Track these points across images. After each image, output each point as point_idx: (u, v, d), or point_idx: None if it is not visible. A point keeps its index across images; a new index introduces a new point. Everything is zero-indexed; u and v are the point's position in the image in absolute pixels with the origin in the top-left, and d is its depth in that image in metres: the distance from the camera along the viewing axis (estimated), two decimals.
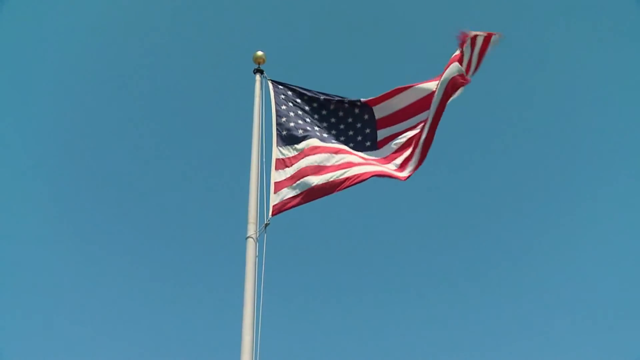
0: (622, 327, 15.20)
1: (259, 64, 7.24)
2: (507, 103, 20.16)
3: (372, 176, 6.51)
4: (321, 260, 18.79)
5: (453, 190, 20.08)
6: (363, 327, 17.09)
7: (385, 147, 6.94)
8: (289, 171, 6.54)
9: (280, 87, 7.19)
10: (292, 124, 6.85)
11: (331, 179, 6.40)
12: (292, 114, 6.95)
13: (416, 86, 6.95)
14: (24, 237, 16.45)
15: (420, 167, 6.52)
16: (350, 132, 7.09)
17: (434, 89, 6.53)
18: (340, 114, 7.16)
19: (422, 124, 6.61)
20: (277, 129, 6.77)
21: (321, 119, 7.08)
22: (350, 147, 6.90)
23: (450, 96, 6.25)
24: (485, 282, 18.01)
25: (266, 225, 5.98)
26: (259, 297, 5.43)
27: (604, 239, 17.43)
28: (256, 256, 5.69)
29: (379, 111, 7.08)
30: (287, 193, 6.39)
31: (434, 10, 21.09)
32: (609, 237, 17.36)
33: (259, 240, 5.82)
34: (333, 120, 7.12)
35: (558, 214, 18.60)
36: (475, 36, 6.29)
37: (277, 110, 6.91)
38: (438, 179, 20.14)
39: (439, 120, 6.35)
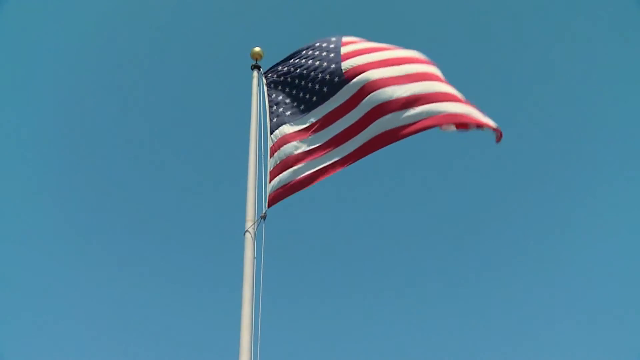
0: (622, 327, 15.19)
1: (256, 60, 7.20)
2: (508, 102, 20.13)
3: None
4: (322, 257, 18.82)
5: (454, 189, 20.06)
6: (363, 325, 17.09)
7: (360, 79, 6.16)
8: (282, 154, 6.33)
9: (269, 74, 7.10)
10: (284, 107, 6.71)
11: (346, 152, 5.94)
12: (286, 96, 6.77)
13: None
14: (24, 237, 16.46)
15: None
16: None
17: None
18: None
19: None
20: (270, 118, 6.69)
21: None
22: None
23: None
24: (486, 281, 18.01)
25: (263, 217, 5.88)
26: (257, 293, 5.39)
27: (605, 239, 17.43)
28: (254, 251, 5.62)
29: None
30: (283, 179, 6.17)
31: (434, 8, 21.08)
32: (610, 237, 17.36)
33: (257, 235, 5.76)
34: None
35: (559, 214, 18.60)
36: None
37: (270, 101, 6.85)
38: (440, 177, 20.13)
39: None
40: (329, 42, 6.73)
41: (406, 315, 17.28)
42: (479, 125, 5.44)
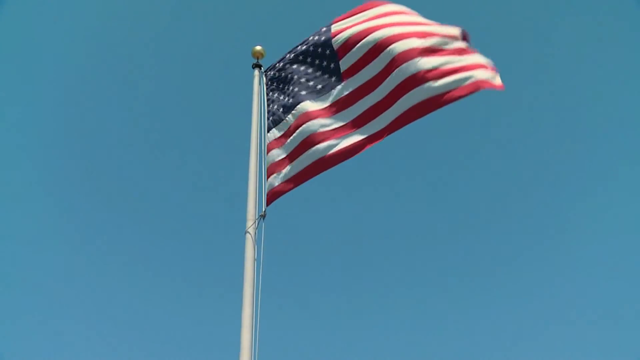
0: (622, 327, 15.16)
1: (257, 58, 7.16)
2: (507, 102, 20.12)
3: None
4: (323, 257, 18.79)
5: (453, 189, 20.04)
6: (364, 325, 17.07)
7: (356, 78, 6.16)
8: (283, 150, 6.30)
9: (269, 72, 7.06)
10: (280, 103, 6.66)
11: (344, 145, 5.88)
12: (282, 90, 6.74)
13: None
14: (24, 237, 16.44)
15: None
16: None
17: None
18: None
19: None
20: (268, 116, 6.66)
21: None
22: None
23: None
24: (486, 281, 17.98)
25: (262, 216, 5.83)
26: (257, 293, 5.36)
27: (603, 239, 17.41)
28: (255, 251, 5.59)
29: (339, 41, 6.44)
30: (281, 176, 6.12)
31: (435, 9, 21.03)
32: (608, 237, 17.34)
33: (257, 234, 5.71)
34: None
35: (558, 213, 18.58)
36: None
37: (268, 99, 6.83)
38: (438, 177, 20.11)
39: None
40: (320, 35, 6.68)
41: (406, 315, 17.28)
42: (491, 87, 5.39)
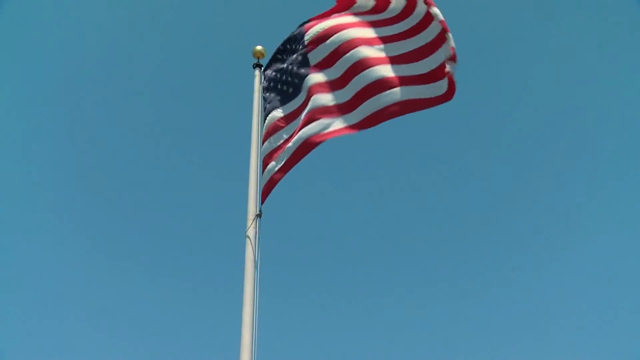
0: (622, 327, 15.17)
1: (258, 58, 7.17)
2: (506, 101, 20.15)
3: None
4: (323, 257, 18.80)
5: (453, 188, 20.05)
6: (363, 324, 17.08)
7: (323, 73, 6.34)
8: (277, 138, 6.27)
9: (266, 72, 7.09)
10: (276, 92, 6.69)
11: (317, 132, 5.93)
12: (278, 81, 6.80)
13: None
14: (24, 237, 16.44)
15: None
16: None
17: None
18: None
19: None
20: (263, 109, 6.68)
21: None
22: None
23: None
24: (486, 281, 17.98)
25: (258, 215, 5.81)
26: (256, 292, 5.36)
27: (605, 238, 17.40)
28: (255, 251, 5.60)
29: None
30: (273, 167, 6.03)
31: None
32: (610, 237, 17.33)
33: (257, 235, 5.71)
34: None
35: (559, 213, 18.58)
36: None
37: (265, 93, 6.83)
38: (438, 176, 20.13)
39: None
40: (299, 40, 6.78)
41: (405, 314, 17.30)
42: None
